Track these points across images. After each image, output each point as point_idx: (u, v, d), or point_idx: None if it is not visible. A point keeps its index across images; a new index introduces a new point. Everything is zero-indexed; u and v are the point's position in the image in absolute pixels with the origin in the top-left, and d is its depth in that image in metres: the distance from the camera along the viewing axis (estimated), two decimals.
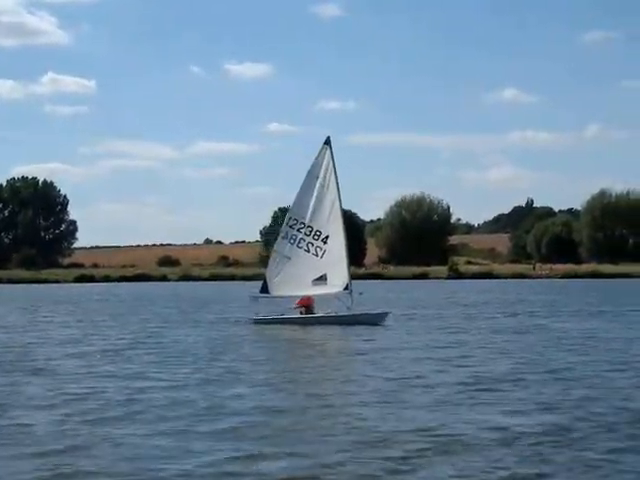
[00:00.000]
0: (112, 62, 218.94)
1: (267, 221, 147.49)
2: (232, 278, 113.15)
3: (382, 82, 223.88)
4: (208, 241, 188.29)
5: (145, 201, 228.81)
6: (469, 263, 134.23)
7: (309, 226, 34.71)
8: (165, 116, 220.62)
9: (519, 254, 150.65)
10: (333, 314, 33.92)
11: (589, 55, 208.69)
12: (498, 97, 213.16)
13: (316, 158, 35.45)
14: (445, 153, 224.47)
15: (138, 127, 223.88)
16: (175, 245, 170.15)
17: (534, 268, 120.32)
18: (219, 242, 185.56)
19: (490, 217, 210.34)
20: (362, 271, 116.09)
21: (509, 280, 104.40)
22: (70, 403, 15.43)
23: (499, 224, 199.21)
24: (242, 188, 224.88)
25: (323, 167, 35.19)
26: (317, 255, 34.56)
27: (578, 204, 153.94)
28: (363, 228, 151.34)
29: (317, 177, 35.10)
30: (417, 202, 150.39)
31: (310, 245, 34.65)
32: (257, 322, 34.10)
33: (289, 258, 34.78)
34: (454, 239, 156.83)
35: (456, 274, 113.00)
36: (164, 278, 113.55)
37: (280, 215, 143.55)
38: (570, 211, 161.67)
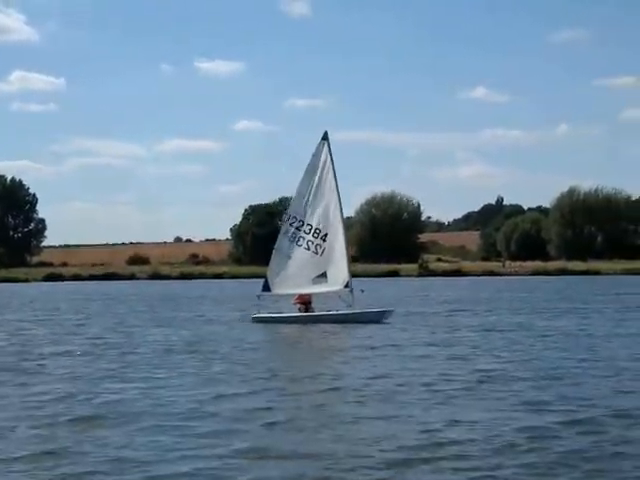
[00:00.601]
0: (82, 60, 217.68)
1: (237, 219, 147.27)
2: (202, 276, 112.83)
3: (353, 80, 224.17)
4: (178, 239, 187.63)
5: (115, 199, 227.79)
6: (439, 261, 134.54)
7: (308, 224, 34.50)
8: (135, 114, 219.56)
9: (489, 251, 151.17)
10: (334, 312, 33.69)
11: (559, 54, 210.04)
12: (469, 95, 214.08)
13: (314, 154, 35.07)
14: (415, 151, 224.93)
15: (108, 125, 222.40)
16: (145, 243, 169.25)
17: (504, 265, 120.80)
18: (189, 240, 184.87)
19: (460, 215, 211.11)
20: None
21: (480, 277, 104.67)
22: (52, 404, 15.29)
23: (469, 222, 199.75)
24: (212, 186, 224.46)
25: (321, 163, 34.84)
26: (317, 253, 34.33)
27: (547, 202, 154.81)
28: None
29: (315, 173, 34.82)
30: (387, 200, 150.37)
31: (310, 243, 34.42)
32: (256, 320, 33.84)
33: (289, 256, 34.60)
34: (424, 237, 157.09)
35: (426, 272, 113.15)
36: (133, 277, 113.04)
37: (251, 213, 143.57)
38: (539, 209, 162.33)
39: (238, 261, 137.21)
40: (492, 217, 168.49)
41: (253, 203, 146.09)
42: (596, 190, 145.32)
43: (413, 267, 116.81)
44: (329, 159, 34.88)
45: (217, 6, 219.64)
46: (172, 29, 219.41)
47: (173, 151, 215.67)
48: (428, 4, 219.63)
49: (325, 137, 35.18)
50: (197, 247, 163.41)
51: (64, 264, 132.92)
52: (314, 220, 34.51)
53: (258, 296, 35.03)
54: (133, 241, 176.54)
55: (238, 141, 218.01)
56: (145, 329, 31.77)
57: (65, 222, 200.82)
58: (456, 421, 13.40)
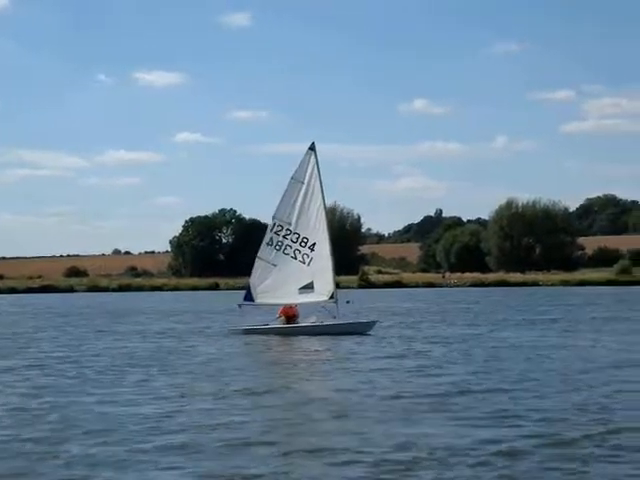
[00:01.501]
0: (18, 70, 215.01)
1: (177, 231, 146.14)
2: (141, 289, 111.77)
3: (293, 91, 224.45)
4: (117, 251, 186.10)
5: (53, 211, 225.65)
6: (379, 272, 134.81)
7: (296, 232, 34.00)
8: (75, 126, 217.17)
9: (429, 263, 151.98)
10: (319, 323, 33.00)
11: (499, 66, 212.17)
12: (409, 107, 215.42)
13: (300, 163, 34.69)
14: (356, 163, 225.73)
15: (46, 136, 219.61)
16: (83, 256, 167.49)
17: (443, 277, 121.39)
18: (128, 252, 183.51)
19: (400, 227, 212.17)
20: None
21: (419, 289, 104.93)
22: (5, 420, 14.84)
23: (409, 234, 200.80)
24: (152, 198, 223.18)
25: (308, 173, 34.44)
26: (304, 262, 33.83)
27: (486, 214, 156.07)
28: None
29: (302, 182, 34.36)
30: (328, 212, 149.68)
31: (297, 252, 33.91)
32: (237, 332, 33.11)
33: (275, 265, 33.93)
34: (365, 249, 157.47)
35: (367, 283, 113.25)
36: (71, 289, 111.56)
37: (191, 225, 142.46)
38: (478, 221, 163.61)
39: (178, 273, 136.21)
40: (432, 229, 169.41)
41: (193, 215, 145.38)
42: (534, 202, 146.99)
43: (353, 279, 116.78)
44: (316, 169, 34.49)
45: (156, 17, 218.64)
46: (110, 40, 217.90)
47: (113, 163, 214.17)
48: (368, 17, 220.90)
49: (312, 147, 34.81)
50: (136, 259, 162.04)
51: (0, 277, 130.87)
52: (302, 229, 34.04)
53: (239, 306, 34.30)
54: (71, 253, 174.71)
55: (178, 153, 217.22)
56: (94, 342, 31.06)
57: (1, 234, 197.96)
58: (422, 435, 13.15)
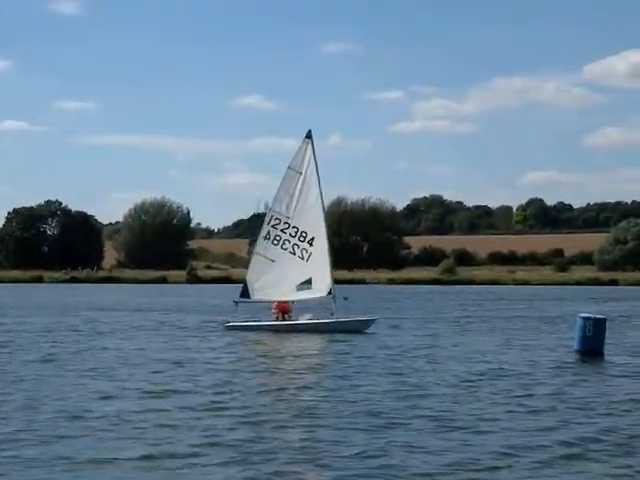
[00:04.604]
0: None
1: (0, 222, 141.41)
2: None
3: (123, 83, 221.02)
4: None
5: None
6: (208, 268, 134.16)
7: (294, 226, 32.66)
8: None
9: None
10: (315, 320, 32.00)
11: (333, 65, 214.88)
12: (241, 103, 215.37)
13: (296, 152, 33.32)
14: (186, 156, 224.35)
15: None
16: None
17: None
18: None
19: (230, 222, 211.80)
20: (99, 274, 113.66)
21: None
22: None
23: (239, 229, 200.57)
24: None
25: (305, 162, 33.05)
26: (303, 258, 32.55)
27: None
28: (101, 231, 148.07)
29: (300, 173, 32.94)
30: (157, 206, 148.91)
31: (296, 247, 32.59)
32: (230, 328, 32.04)
33: (273, 261, 32.66)
34: (194, 243, 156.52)
35: (195, 279, 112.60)
36: None
37: (15, 216, 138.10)
38: None
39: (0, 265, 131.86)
40: (261, 225, 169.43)
41: (17, 206, 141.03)
42: (363, 201, 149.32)
43: (181, 274, 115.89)
44: (313, 159, 33.19)
45: None
46: None
47: None
48: (204, 11, 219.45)
49: (309, 135, 33.43)
50: None
51: None
52: (300, 223, 32.70)
53: (236, 302, 33.06)
54: None
55: (2, 141, 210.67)
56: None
57: None
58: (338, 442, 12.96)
